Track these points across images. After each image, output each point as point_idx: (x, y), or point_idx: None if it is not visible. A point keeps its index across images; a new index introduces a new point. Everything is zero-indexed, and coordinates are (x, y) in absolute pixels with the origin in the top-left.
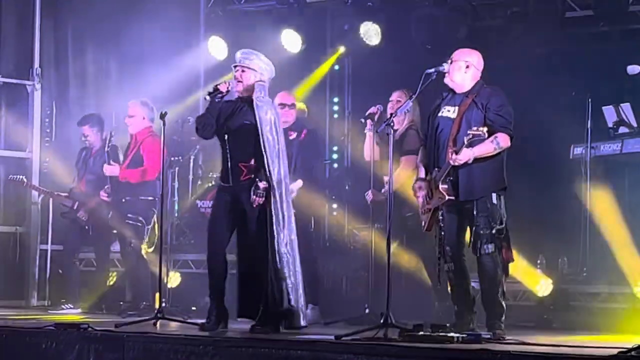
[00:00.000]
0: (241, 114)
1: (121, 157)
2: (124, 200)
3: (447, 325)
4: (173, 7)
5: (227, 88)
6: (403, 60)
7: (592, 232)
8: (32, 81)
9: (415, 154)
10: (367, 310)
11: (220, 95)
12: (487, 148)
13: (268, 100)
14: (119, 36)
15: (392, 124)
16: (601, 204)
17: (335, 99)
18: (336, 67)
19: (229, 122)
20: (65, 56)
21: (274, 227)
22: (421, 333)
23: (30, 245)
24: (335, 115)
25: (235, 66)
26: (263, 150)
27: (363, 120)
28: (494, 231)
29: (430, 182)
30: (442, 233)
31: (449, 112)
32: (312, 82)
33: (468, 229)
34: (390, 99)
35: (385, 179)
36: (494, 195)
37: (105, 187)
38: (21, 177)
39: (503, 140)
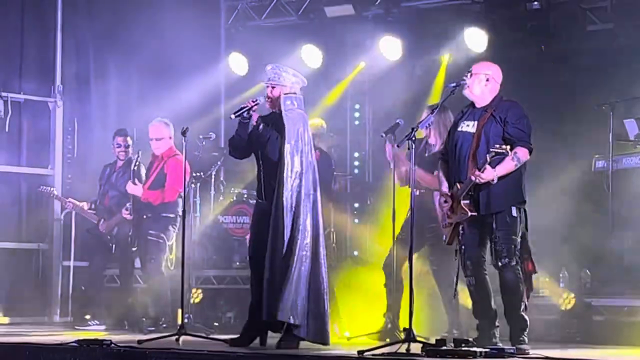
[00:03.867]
0: (272, 128)
1: (143, 176)
2: (145, 217)
3: (470, 339)
4: (194, 24)
5: (253, 104)
6: (423, 74)
7: (614, 245)
8: (54, 98)
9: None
10: (389, 325)
11: (246, 111)
12: (508, 166)
13: (299, 113)
14: (140, 53)
15: (413, 138)
16: (623, 216)
17: (357, 114)
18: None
19: (261, 140)
20: (87, 73)
21: (296, 235)
22: (444, 348)
23: (52, 261)
24: (357, 126)
25: (266, 83)
26: (285, 161)
27: (383, 135)
28: (513, 245)
29: (452, 196)
30: (463, 247)
31: (468, 126)
32: (333, 97)
33: (488, 242)
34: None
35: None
36: (513, 209)
37: (127, 205)
38: (52, 188)
39: (522, 155)
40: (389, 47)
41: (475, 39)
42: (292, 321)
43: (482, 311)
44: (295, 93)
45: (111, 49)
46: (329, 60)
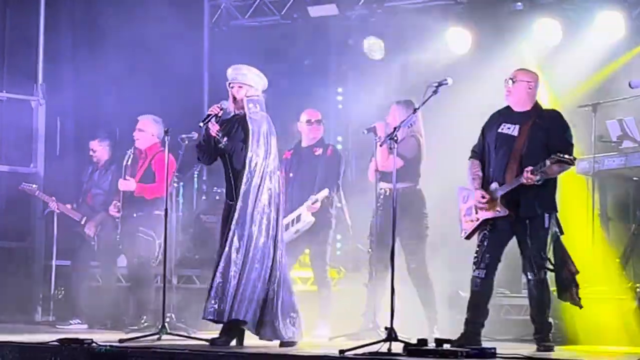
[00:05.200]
0: (238, 132)
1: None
2: (135, 215)
3: (452, 339)
4: (177, 22)
5: (219, 109)
6: (406, 74)
7: (597, 246)
8: (36, 97)
9: (408, 161)
10: (371, 325)
11: (213, 117)
12: (555, 171)
13: (263, 115)
14: (123, 52)
15: (395, 138)
16: (605, 217)
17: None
18: (339, 89)
19: (226, 150)
20: (69, 72)
21: (235, 242)
22: (425, 347)
23: (35, 260)
24: (340, 126)
25: (229, 84)
26: (248, 163)
27: (365, 132)
28: (542, 260)
29: (486, 194)
30: (487, 242)
31: (510, 129)
32: None
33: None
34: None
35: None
36: (546, 218)
37: (115, 202)
38: (34, 186)
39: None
40: (373, 47)
41: (458, 39)
42: (241, 318)
43: (477, 307)
44: (258, 95)
45: (94, 48)
46: (313, 60)
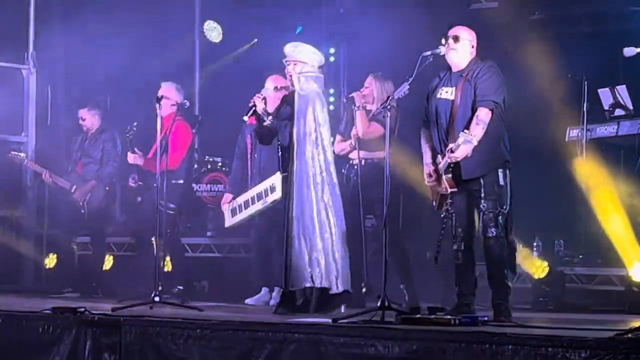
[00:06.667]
0: (286, 108)
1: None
2: (155, 185)
3: (444, 307)
4: None
5: (259, 99)
6: (399, 44)
7: (587, 214)
8: (27, 65)
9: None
10: (363, 289)
11: (255, 108)
12: (477, 132)
13: (314, 90)
14: (113, 20)
15: (388, 107)
16: (597, 186)
17: (331, 90)
18: (332, 50)
19: (278, 117)
20: (60, 40)
21: (293, 213)
22: (418, 315)
23: (26, 229)
24: (332, 99)
25: (286, 61)
26: (296, 139)
27: (345, 100)
28: (500, 216)
29: (436, 168)
30: (454, 215)
31: (447, 93)
32: None
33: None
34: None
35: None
36: (500, 175)
37: (132, 175)
38: (22, 154)
39: (484, 116)
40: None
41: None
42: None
43: (464, 279)
44: (313, 72)
45: (84, 16)
46: (304, 28)
